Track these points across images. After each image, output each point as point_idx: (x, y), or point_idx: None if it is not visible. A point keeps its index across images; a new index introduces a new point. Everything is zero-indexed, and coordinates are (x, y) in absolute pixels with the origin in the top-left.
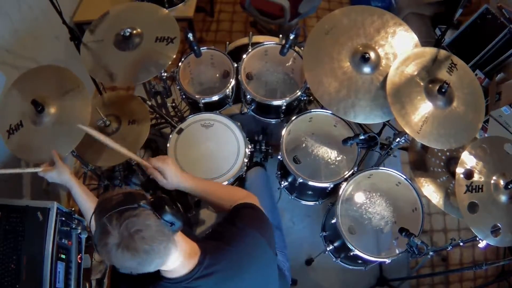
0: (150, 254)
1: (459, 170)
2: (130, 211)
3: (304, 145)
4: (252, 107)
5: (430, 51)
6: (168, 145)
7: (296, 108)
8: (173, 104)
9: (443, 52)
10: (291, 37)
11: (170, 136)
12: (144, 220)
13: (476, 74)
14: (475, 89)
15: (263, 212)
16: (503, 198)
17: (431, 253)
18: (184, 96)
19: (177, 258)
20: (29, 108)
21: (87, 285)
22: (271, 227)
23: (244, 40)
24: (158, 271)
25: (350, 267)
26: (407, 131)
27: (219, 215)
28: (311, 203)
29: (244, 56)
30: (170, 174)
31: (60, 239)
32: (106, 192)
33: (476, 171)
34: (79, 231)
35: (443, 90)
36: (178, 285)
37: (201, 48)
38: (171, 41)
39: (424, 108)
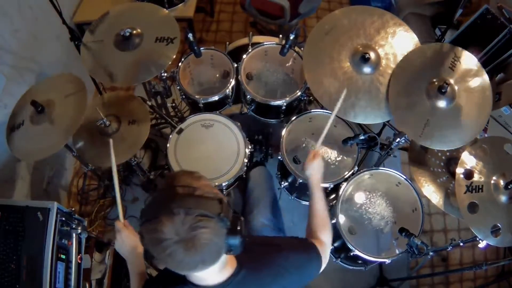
0: (195, 266)
1: (459, 170)
2: (207, 219)
3: (304, 145)
4: (252, 107)
5: (431, 47)
6: (168, 145)
7: (296, 108)
8: (173, 104)
9: (445, 46)
10: (291, 37)
11: (170, 136)
12: (212, 235)
13: None
14: (481, 81)
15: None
16: (503, 198)
17: (431, 253)
18: (184, 96)
19: (213, 269)
20: (30, 108)
21: (87, 285)
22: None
23: (244, 40)
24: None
25: (350, 267)
26: (409, 134)
27: None
28: None
29: (244, 56)
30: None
31: (60, 239)
32: (186, 172)
33: (476, 171)
34: (79, 231)
35: (443, 90)
36: None
37: (201, 48)
38: (171, 41)
39: (424, 109)
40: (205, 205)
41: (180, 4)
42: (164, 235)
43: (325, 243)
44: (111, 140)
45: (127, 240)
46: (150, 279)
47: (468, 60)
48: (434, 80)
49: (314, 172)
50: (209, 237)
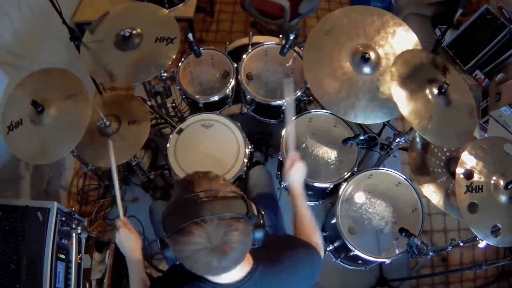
0: (229, 268)
1: (459, 170)
2: (237, 221)
3: (304, 145)
4: (252, 107)
5: (424, 54)
6: (168, 145)
7: (296, 108)
8: (173, 104)
9: (436, 58)
10: (291, 37)
11: (170, 136)
12: (243, 236)
13: (476, 75)
14: (465, 95)
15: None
16: (503, 198)
17: (431, 253)
18: (184, 96)
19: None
20: (30, 107)
21: (87, 285)
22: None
23: (244, 40)
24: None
25: (350, 267)
26: (416, 128)
27: None
28: (311, 203)
29: (244, 56)
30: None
31: (60, 239)
32: (201, 174)
33: (476, 171)
34: (79, 231)
35: (443, 91)
36: None
37: (201, 48)
38: (171, 41)
39: (426, 107)
40: (233, 206)
41: (180, 4)
42: (198, 246)
43: (319, 244)
44: (110, 142)
45: (126, 237)
46: (159, 277)
47: (455, 74)
48: (433, 79)
49: (295, 179)
50: (240, 239)
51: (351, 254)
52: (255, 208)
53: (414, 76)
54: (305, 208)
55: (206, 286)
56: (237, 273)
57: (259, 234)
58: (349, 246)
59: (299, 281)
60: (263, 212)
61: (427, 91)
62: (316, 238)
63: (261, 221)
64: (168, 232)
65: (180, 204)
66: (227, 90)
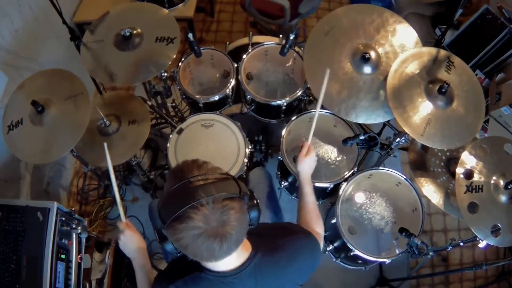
0: (231, 251)
1: (459, 170)
2: (231, 200)
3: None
4: (252, 107)
5: (427, 50)
6: (168, 145)
7: (296, 108)
8: (173, 104)
9: (440, 51)
10: (291, 37)
11: (170, 136)
12: (240, 214)
13: (476, 74)
14: (473, 86)
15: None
16: (503, 198)
17: (431, 253)
18: (184, 96)
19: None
20: (30, 107)
21: (87, 285)
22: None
23: (244, 40)
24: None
25: (350, 267)
26: (411, 134)
27: None
28: None
29: (244, 56)
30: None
31: (60, 239)
32: (189, 162)
33: (476, 171)
34: (79, 231)
35: (443, 90)
36: (222, 279)
37: (201, 48)
38: (171, 41)
39: (425, 109)
40: (225, 187)
41: (180, 4)
42: (197, 230)
43: (320, 234)
44: (105, 144)
45: (130, 239)
46: (160, 274)
47: (460, 65)
48: (433, 79)
49: (306, 167)
50: (238, 217)
51: (351, 254)
52: (246, 188)
53: (412, 82)
54: (311, 196)
55: (206, 276)
56: (236, 259)
57: (254, 214)
58: (349, 246)
59: (299, 268)
60: (253, 191)
61: (427, 96)
62: (317, 227)
63: (255, 201)
64: (166, 222)
65: (174, 193)
66: (227, 90)
